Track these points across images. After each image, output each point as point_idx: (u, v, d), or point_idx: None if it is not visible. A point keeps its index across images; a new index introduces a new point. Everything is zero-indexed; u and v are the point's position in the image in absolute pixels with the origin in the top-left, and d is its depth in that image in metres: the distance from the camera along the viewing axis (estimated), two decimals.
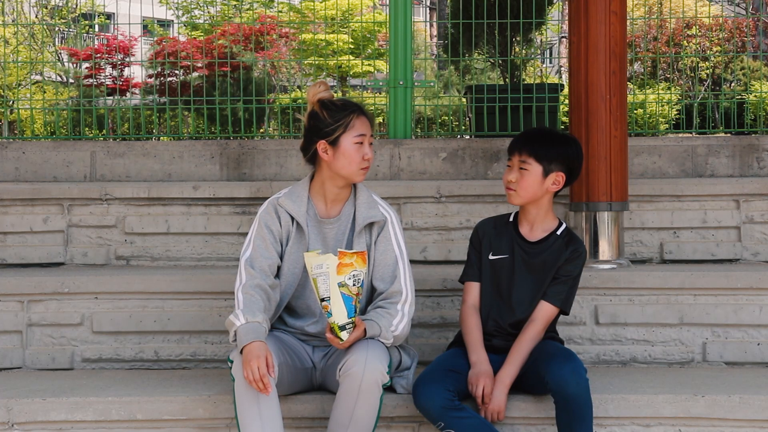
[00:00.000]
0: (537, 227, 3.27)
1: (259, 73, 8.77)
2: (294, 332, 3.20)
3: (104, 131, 6.85)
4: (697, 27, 9.98)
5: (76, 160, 4.89)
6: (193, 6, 16.60)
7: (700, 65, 11.17)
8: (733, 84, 8.63)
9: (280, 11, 9.34)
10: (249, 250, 3.12)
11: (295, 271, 3.15)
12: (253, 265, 3.07)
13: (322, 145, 3.12)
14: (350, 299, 2.90)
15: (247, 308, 2.96)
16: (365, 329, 2.97)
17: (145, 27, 13.91)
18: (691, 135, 6.03)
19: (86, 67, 9.24)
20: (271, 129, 7.80)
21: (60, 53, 12.46)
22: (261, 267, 3.08)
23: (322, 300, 2.91)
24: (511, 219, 3.33)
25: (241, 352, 2.88)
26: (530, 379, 3.09)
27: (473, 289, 3.28)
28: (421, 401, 2.98)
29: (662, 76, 11.28)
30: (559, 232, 3.26)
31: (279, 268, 3.15)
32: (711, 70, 11.62)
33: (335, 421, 2.94)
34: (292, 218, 3.15)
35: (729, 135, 5.59)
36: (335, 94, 3.28)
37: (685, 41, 9.31)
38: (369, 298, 3.17)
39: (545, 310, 3.19)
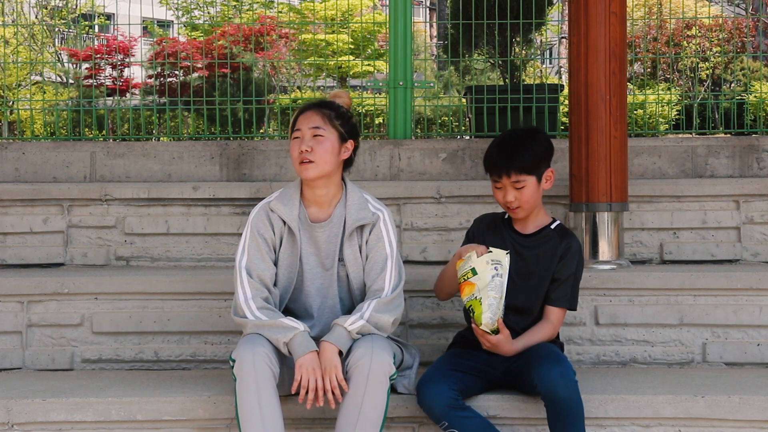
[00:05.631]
0: (530, 224, 3.30)
1: (259, 74, 8.78)
2: None
3: (104, 132, 6.84)
4: (697, 27, 9.98)
5: (75, 160, 4.89)
6: (192, 6, 16.63)
7: (699, 66, 11.17)
8: (732, 84, 8.62)
9: (280, 12, 9.34)
10: (245, 258, 3.10)
11: (290, 276, 3.15)
12: (252, 275, 3.06)
13: None
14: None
15: (290, 319, 3.00)
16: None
17: (144, 28, 13.92)
18: (690, 135, 6.03)
19: (86, 68, 9.25)
20: (271, 129, 7.80)
21: (60, 54, 12.48)
22: (262, 279, 3.07)
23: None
24: (506, 216, 3.35)
25: (289, 353, 2.94)
26: (523, 381, 3.08)
27: None
28: (425, 400, 2.98)
29: (662, 77, 11.28)
30: (552, 227, 3.28)
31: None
32: (711, 70, 11.62)
33: (344, 418, 2.93)
34: (284, 222, 3.15)
35: (729, 135, 5.59)
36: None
37: (684, 42, 9.30)
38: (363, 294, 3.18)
39: (556, 314, 3.22)
